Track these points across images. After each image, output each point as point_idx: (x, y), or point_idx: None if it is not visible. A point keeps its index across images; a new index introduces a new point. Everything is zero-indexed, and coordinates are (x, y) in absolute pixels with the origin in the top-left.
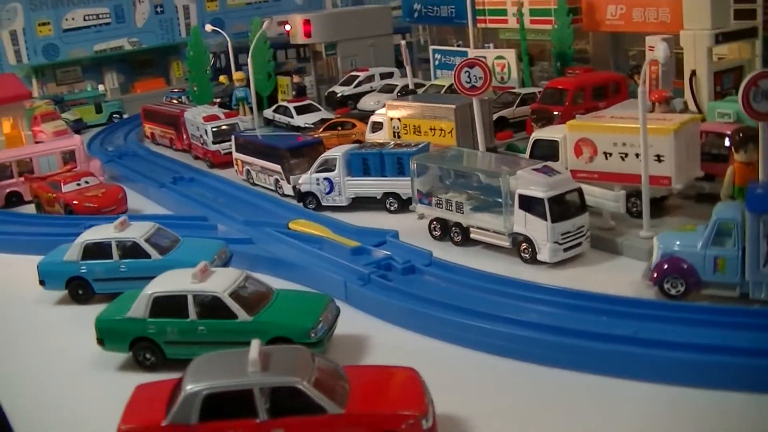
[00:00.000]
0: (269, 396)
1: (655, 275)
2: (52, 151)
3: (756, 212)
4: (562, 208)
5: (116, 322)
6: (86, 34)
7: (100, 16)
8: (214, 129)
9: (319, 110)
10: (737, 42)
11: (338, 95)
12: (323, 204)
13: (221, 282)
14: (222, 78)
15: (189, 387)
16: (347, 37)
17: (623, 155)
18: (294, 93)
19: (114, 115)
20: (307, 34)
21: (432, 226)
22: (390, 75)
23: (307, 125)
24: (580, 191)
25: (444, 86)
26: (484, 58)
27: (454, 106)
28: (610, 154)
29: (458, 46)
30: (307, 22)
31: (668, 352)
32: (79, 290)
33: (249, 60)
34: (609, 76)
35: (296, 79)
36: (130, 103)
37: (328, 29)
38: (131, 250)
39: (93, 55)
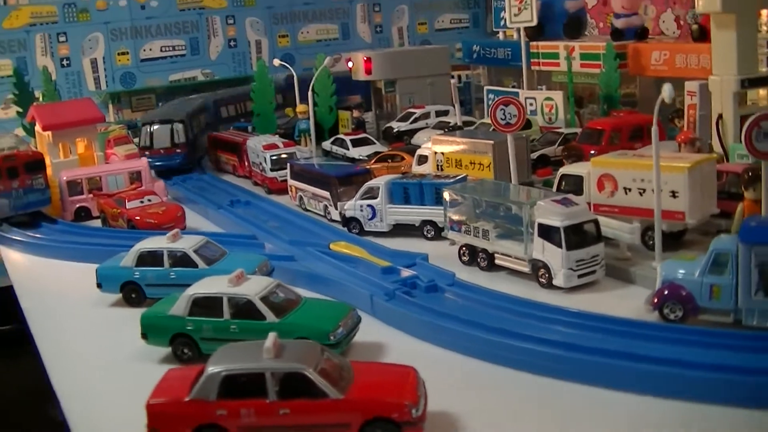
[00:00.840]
0: (279, 380)
1: (656, 300)
2: (120, 171)
3: (748, 243)
4: (577, 237)
5: (159, 318)
6: (162, 64)
7: (176, 48)
8: (272, 157)
9: (374, 143)
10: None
11: (395, 130)
12: (366, 229)
13: (254, 287)
14: (288, 110)
15: (210, 369)
16: (406, 75)
17: (641, 191)
18: (353, 126)
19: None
20: (368, 71)
21: (461, 251)
22: (445, 113)
23: (361, 157)
24: (596, 222)
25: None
26: (534, 99)
27: (492, 142)
28: (630, 190)
29: (513, 87)
30: (368, 60)
31: (659, 366)
32: (132, 294)
33: (309, 93)
34: (646, 118)
35: (356, 113)
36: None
37: (388, 67)
38: (181, 259)
39: (168, 84)
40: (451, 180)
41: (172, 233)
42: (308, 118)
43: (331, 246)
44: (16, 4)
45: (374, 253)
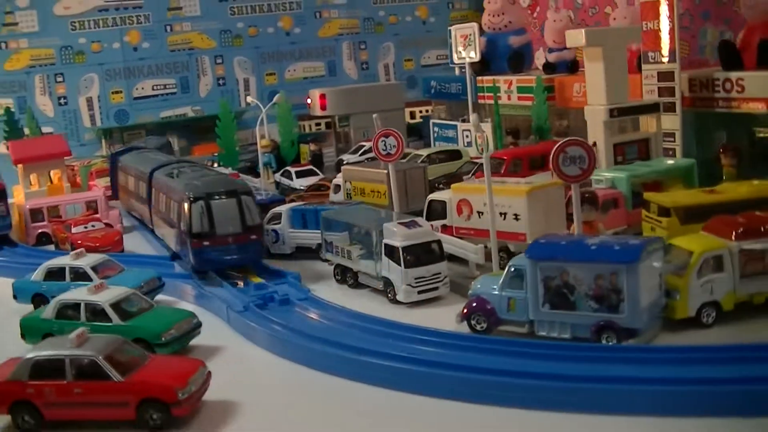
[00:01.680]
0: (76, 365)
1: (464, 312)
2: (78, 200)
3: (534, 259)
4: (416, 256)
5: (34, 321)
6: (154, 102)
7: (167, 87)
8: None
9: (317, 175)
10: (640, 116)
11: (344, 162)
12: (272, 251)
13: (108, 295)
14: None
15: (27, 356)
16: (360, 111)
17: (498, 214)
18: (309, 159)
19: None
20: (323, 107)
21: (335, 271)
22: None
23: (301, 187)
24: (438, 242)
25: (422, 155)
26: (469, 131)
27: (385, 171)
28: (482, 213)
29: (462, 120)
30: (323, 96)
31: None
32: (41, 304)
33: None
34: (547, 147)
35: (313, 147)
36: None
37: (342, 103)
38: (80, 274)
39: (159, 120)
40: (334, 206)
41: (75, 252)
42: (270, 152)
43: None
44: (17, 48)
45: (258, 272)
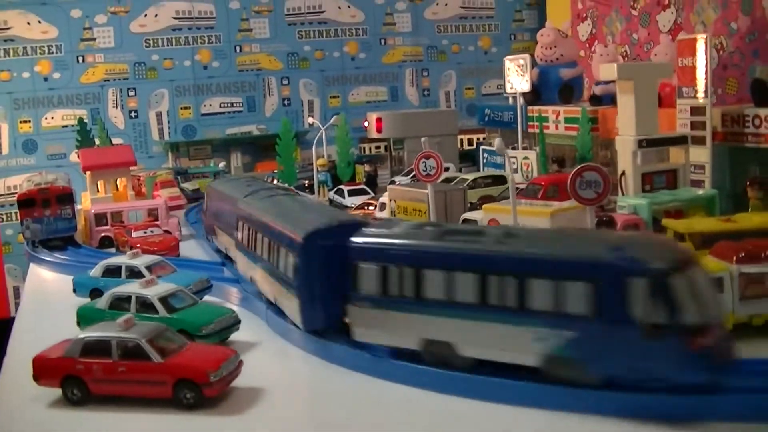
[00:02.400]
0: (121, 346)
1: None
2: (140, 207)
3: None
4: None
5: (91, 311)
6: (221, 118)
7: (234, 105)
8: None
9: (369, 194)
10: (669, 147)
11: (396, 183)
12: None
13: (158, 290)
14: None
15: (79, 336)
16: (414, 134)
17: None
18: (365, 179)
19: None
20: (379, 130)
21: None
22: (446, 169)
23: (352, 204)
24: None
25: (468, 179)
26: (516, 158)
27: (425, 192)
28: None
29: (512, 148)
30: (379, 120)
31: None
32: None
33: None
34: None
35: (367, 167)
36: None
37: (397, 126)
38: (135, 272)
39: (225, 137)
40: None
41: (132, 252)
42: (327, 171)
43: None
44: (93, 62)
45: None
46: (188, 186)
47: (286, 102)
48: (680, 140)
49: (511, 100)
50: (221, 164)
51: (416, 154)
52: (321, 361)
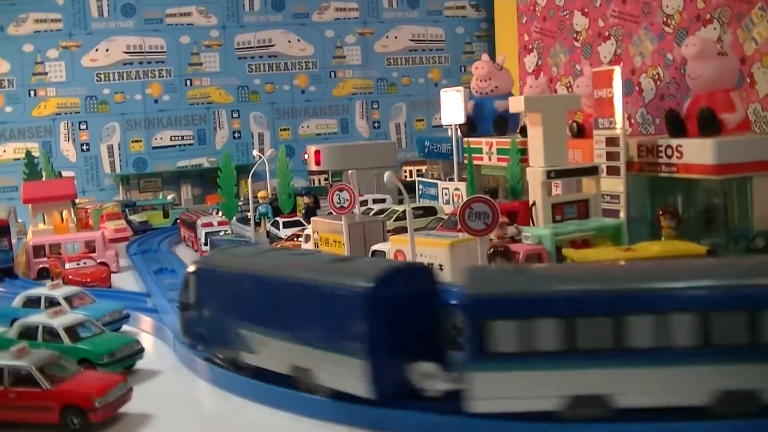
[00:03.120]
0: (12, 374)
1: None
2: (78, 239)
3: None
4: None
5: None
6: (172, 151)
7: (185, 138)
8: (206, 232)
9: (302, 225)
10: (578, 178)
11: (328, 214)
12: None
13: (65, 321)
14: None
15: None
16: (352, 167)
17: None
18: (303, 211)
19: (178, 221)
20: (318, 163)
21: None
22: (383, 200)
23: (285, 236)
24: None
25: (398, 211)
26: (448, 188)
27: (348, 223)
28: None
29: (450, 180)
30: (317, 152)
31: None
32: None
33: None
34: (516, 205)
35: (306, 200)
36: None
37: (336, 159)
38: (54, 303)
39: (176, 169)
40: None
41: (53, 283)
42: (269, 203)
43: None
44: (45, 96)
45: None
46: (136, 218)
47: (236, 135)
48: (591, 171)
49: (449, 131)
50: (170, 196)
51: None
52: (222, 391)
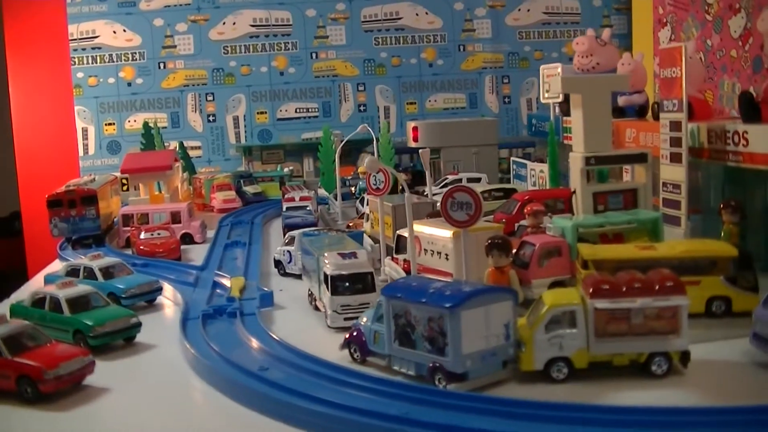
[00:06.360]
0: None
1: (344, 341)
2: (164, 210)
3: (387, 297)
4: (345, 285)
5: (19, 309)
6: (296, 123)
7: (310, 110)
8: (287, 207)
9: None
10: (621, 165)
11: (425, 193)
12: (287, 271)
13: (70, 291)
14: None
15: None
16: (450, 144)
17: (432, 252)
18: (401, 188)
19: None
20: (415, 139)
21: (309, 294)
22: (477, 180)
23: (366, 212)
24: (370, 275)
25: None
26: (534, 170)
27: (391, 205)
28: (427, 251)
29: (540, 160)
30: (415, 129)
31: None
32: None
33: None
34: (559, 192)
35: (405, 176)
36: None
37: (434, 136)
38: (91, 273)
39: (300, 141)
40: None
41: (93, 254)
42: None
43: (231, 279)
44: (173, 68)
45: (247, 287)
46: (250, 189)
47: (361, 108)
48: (638, 158)
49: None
50: (287, 168)
51: (453, 163)
52: (196, 378)
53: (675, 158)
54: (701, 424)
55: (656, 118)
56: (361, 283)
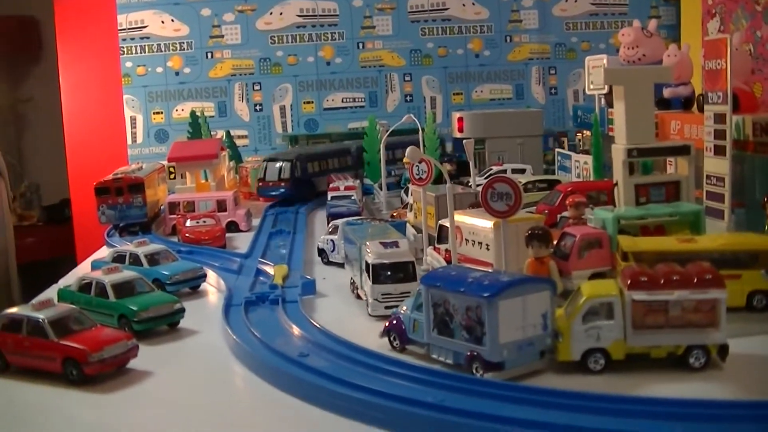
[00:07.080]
0: (29, 324)
1: (383, 329)
2: (210, 198)
3: (426, 285)
4: (386, 273)
5: (67, 293)
6: (342, 113)
7: (356, 100)
8: (332, 196)
9: None
10: (665, 157)
11: (468, 184)
12: (330, 260)
13: (116, 277)
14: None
15: (3, 313)
16: (495, 135)
17: (473, 242)
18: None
19: None
20: (460, 130)
21: (351, 283)
22: (522, 171)
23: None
24: (411, 264)
25: (521, 183)
26: (579, 161)
27: (434, 195)
28: (468, 241)
29: (584, 152)
30: (460, 119)
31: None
32: None
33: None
34: (602, 184)
35: (448, 167)
36: None
37: (479, 126)
38: (136, 259)
39: (345, 131)
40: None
41: (138, 241)
42: None
43: (275, 267)
44: (221, 58)
45: (290, 275)
46: None
47: (408, 98)
48: (681, 150)
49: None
50: None
51: (497, 154)
52: (239, 366)
53: (719, 151)
54: (739, 418)
55: (702, 110)
56: (402, 272)
